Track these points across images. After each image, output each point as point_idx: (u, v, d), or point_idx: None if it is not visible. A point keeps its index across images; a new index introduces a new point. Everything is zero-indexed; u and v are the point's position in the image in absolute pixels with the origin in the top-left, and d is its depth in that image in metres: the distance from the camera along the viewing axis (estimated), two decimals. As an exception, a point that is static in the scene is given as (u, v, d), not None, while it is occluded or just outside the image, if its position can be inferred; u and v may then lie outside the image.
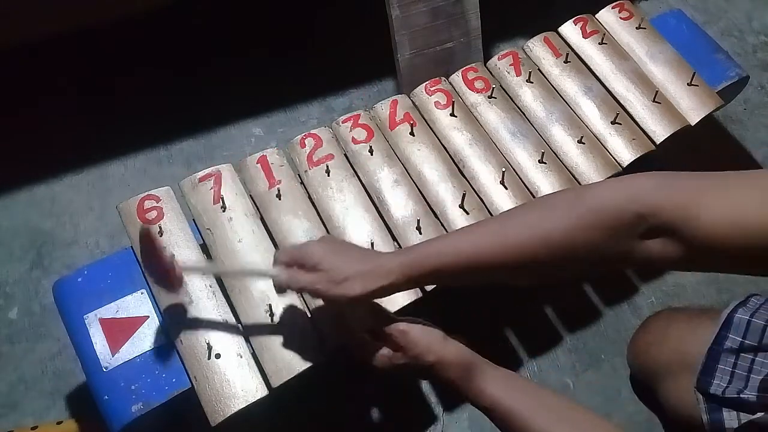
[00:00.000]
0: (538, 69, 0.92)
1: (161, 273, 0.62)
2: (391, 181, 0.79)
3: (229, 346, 0.67)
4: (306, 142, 0.81)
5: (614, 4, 0.98)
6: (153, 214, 0.74)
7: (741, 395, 0.69)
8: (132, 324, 0.70)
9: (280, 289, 0.61)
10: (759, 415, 0.66)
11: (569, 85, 0.90)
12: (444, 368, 0.58)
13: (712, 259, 0.49)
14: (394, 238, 0.76)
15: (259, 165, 0.79)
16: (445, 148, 0.83)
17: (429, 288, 0.72)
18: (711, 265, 0.51)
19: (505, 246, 0.55)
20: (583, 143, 0.84)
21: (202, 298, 0.70)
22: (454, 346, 0.60)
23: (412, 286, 0.62)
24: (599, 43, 0.93)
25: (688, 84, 0.90)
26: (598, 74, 0.91)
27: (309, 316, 0.70)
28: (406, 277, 0.58)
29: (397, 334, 0.60)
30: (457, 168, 0.82)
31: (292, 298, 0.71)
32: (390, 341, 0.61)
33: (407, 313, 0.72)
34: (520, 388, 0.58)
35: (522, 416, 0.55)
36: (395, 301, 0.71)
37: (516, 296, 1.02)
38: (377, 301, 0.64)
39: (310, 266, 0.59)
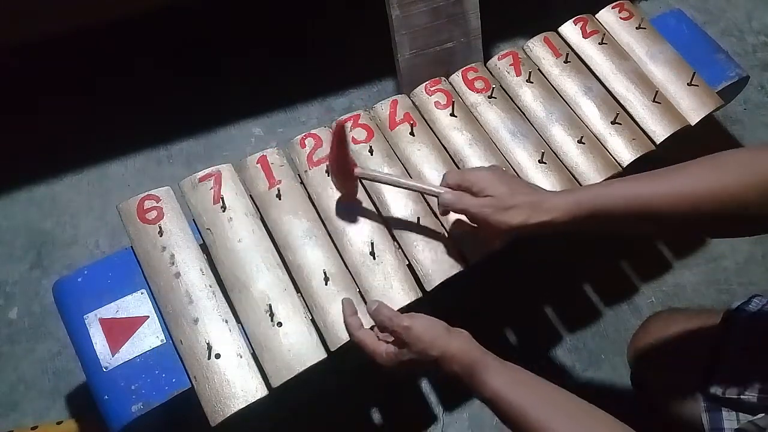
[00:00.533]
0: (538, 69, 0.92)
1: (344, 170, 0.68)
2: (391, 181, 0.79)
3: (229, 346, 0.67)
4: (306, 142, 0.81)
5: (614, 4, 0.98)
6: (153, 214, 0.74)
7: (742, 396, 0.69)
8: (132, 324, 0.70)
9: (445, 209, 0.66)
10: (760, 416, 0.66)
11: (569, 85, 0.90)
12: (448, 361, 0.59)
13: None
14: (394, 238, 0.76)
15: (259, 165, 0.79)
16: (445, 148, 0.83)
17: (429, 288, 0.72)
18: None
19: (679, 196, 0.56)
20: (583, 143, 0.84)
21: (202, 298, 0.70)
22: (457, 339, 0.60)
23: (574, 227, 0.61)
24: (599, 43, 0.93)
25: (688, 84, 0.90)
26: (598, 74, 0.91)
27: (309, 315, 0.70)
28: (571, 215, 0.59)
29: (400, 330, 0.61)
30: (457, 168, 0.82)
31: (293, 299, 0.71)
32: (395, 338, 0.61)
33: (409, 310, 0.72)
34: (522, 380, 0.59)
35: (522, 408, 0.55)
36: (395, 301, 0.71)
37: (516, 296, 1.02)
38: (378, 299, 0.65)
39: (477, 190, 0.62)
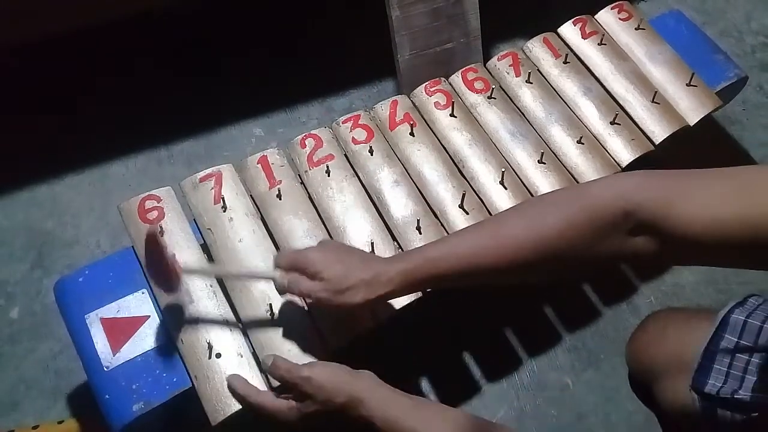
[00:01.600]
0: (538, 69, 0.92)
1: (162, 275, 0.62)
2: (391, 181, 0.79)
3: (229, 346, 0.68)
4: (306, 142, 0.82)
5: (613, 4, 0.98)
6: (154, 214, 0.74)
7: (735, 395, 0.70)
8: (133, 324, 0.70)
9: (282, 292, 0.62)
10: (753, 415, 0.66)
11: (569, 85, 0.90)
12: (356, 405, 0.58)
13: (694, 252, 0.50)
14: (394, 238, 0.76)
15: (259, 165, 0.79)
16: (444, 149, 0.84)
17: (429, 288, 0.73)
18: (694, 259, 0.54)
19: (501, 247, 0.56)
20: (583, 143, 0.84)
21: (203, 298, 0.70)
22: (362, 381, 0.59)
23: (414, 291, 0.62)
24: (598, 44, 0.93)
25: (687, 84, 0.90)
26: (597, 75, 0.91)
27: (310, 315, 0.70)
28: (407, 283, 0.59)
29: (300, 381, 0.59)
30: (456, 168, 0.82)
31: (293, 298, 0.71)
32: (297, 391, 0.60)
33: (410, 310, 0.72)
34: (431, 411, 0.59)
35: None
36: (396, 301, 0.71)
37: (516, 296, 1.02)
38: (278, 353, 0.65)
39: (311, 273, 0.59)
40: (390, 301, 0.70)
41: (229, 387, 0.64)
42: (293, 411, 0.60)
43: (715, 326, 0.76)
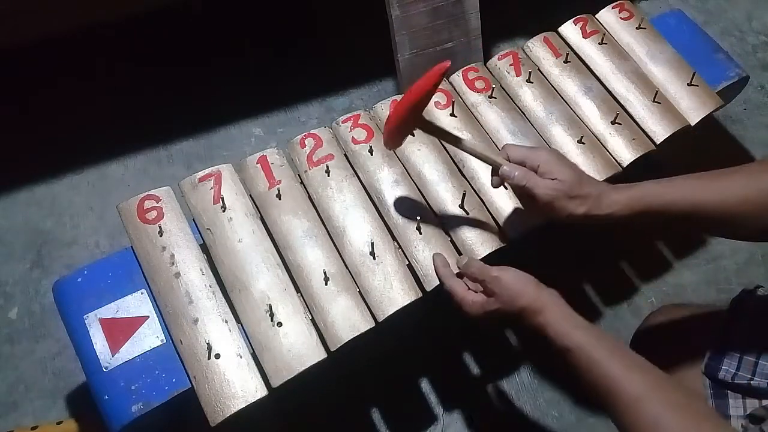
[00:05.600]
0: (538, 69, 0.92)
1: (415, 113, 0.65)
2: (391, 181, 0.79)
3: (228, 346, 0.67)
4: (306, 142, 0.81)
5: (614, 4, 0.98)
6: (153, 214, 0.74)
7: (752, 381, 0.70)
8: (132, 324, 0.70)
9: (501, 182, 0.68)
10: (765, 403, 0.66)
11: (569, 85, 0.90)
12: (534, 313, 0.60)
13: None
14: (394, 238, 0.76)
15: (259, 165, 0.79)
16: (445, 148, 0.83)
17: (429, 288, 0.72)
18: None
19: (725, 197, 0.60)
20: (583, 143, 0.84)
21: (202, 298, 0.70)
22: (546, 293, 0.62)
23: (627, 221, 0.64)
24: (599, 43, 0.93)
25: (688, 84, 0.90)
26: (598, 74, 0.91)
27: (309, 315, 0.70)
28: (629, 211, 0.62)
29: (489, 279, 0.63)
30: (457, 168, 0.82)
31: (293, 299, 0.71)
32: (484, 288, 0.65)
33: (408, 309, 0.72)
34: (605, 339, 0.59)
35: (602, 364, 0.55)
36: (395, 301, 0.71)
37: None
38: (467, 255, 0.70)
39: (543, 171, 0.64)
40: (390, 300, 0.70)
41: (434, 263, 0.72)
42: (476, 305, 0.64)
43: (728, 313, 0.75)
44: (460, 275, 0.70)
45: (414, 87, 0.63)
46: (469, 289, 0.67)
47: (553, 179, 0.63)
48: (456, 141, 0.69)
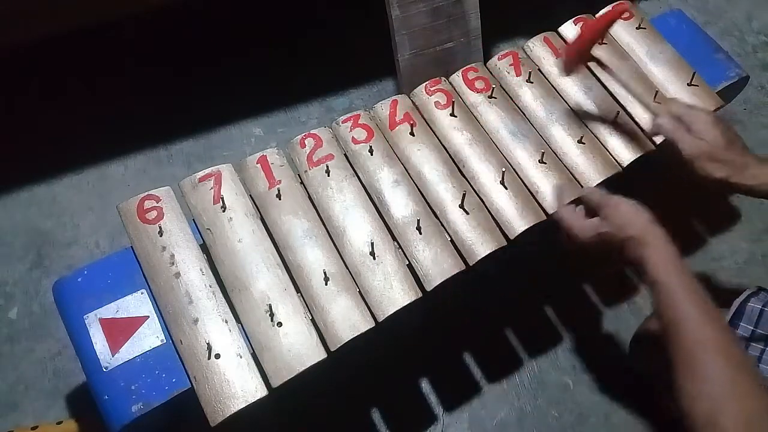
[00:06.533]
0: (538, 69, 0.91)
1: (588, 48, 0.76)
2: (391, 181, 0.79)
3: (228, 346, 0.67)
4: (306, 142, 0.81)
5: (614, 4, 0.98)
6: (153, 214, 0.74)
7: None
8: (132, 324, 0.70)
9: (655, 132, 0.74)
10: None
11: (569, 85, 0.90)
12: (640, 245, 0.63)
13: None
14: (394, 238, 0.76)
15: (259, 165, 0.79)
16: (445, 148, 0.83)
17: (429, 288, 0.72)
18: None
19: None
20: (583, 143, 0.84)
21: (202, 298, 0.70)
22: (656, 230, 0.64)
23: (763, 196, 0.67)
24: (599, 43, 0.93)
25: (688, 84, 0.90)
26: (598, 74, 0.91)
27: (309, 315, 0.70)
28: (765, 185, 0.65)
29: (609, 205, 0.66)
30: (457, 168, 0.82)
31: (293, 299, 0.71)
32: (599, 212, 0.68)
33: (407, 309, 0.72)
34: (693, 289, 0.60)
35: (679, 306, 0.58)
36: (395, 301, 0.71)
37: (516, 296, 1.02)
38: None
39: (695, 129, 0.67)
40: (390, 300, 0.70)
41: (555, 193, 0.77)
42: (586, 227, 0.68)
43: (731, 315, 0.75)
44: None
45: (593, 22, 0.79)
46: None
47: (700, 140, 0.66)
48: (621, 79, 0.78)
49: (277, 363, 0.67)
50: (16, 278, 1.02)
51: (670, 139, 0.70)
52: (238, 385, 0.65)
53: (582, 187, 0.80)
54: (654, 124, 0.72)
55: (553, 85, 0.90)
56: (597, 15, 0.88)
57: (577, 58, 0.81)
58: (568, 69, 0.82)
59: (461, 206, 0.78)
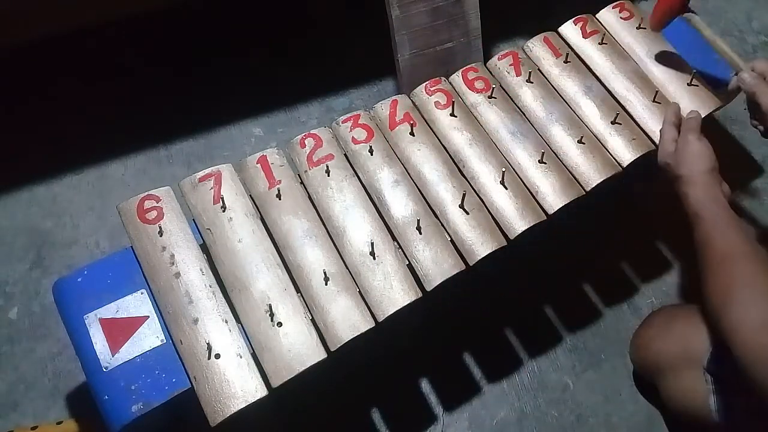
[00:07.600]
0: (538, 69, 0.91)
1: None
2: (391, 181, 0.79)
3: (228, 346, 0.67)
4: (306, 142, 0.81)
5: (614, 4, 0.98)
6: (153, 214, 0.74)
7: None
8: (132, 324, 0.70)
9: (735, 85, 0.79)
10: None
11: (569, 85, 0.90)
12: (686, 183, 0.72)
13: None
14: (394, 238, 0.76)
15: (259, 165, 0.79)
16: (445, 148, 0.83)
17: (429, 288, 0.72)
18: None
19: None
20: (583, 143, 0.84)
21: (202, 298, 0.70)
22: (708, 178, 0.71)
23: None
24: (599, 43, 0.93)
25: (688, 84, 0.90)
26: (598, 74, 0.91)
27: (309, 315, 0.70)
28: None
29: (684, 139, 0.75)
30: (457, 168, 0.82)
31: (293, 299, 0.71)
32: (678, 142, 0.76)
33: (407, 310, 0.72)
34: (734, 227, 0.68)
35: (732, 238, 0.66)
36: (395, 301, 0.71)
37: (516, 296, 1.02)
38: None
39: None
40: (390, 300, 0.70)
41: (667, 113, 0.82)
42: (668, 141, 0.77)
43: None
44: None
45: None
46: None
47: None
48: (709, 36, 0.83)
49: (277, 363, 0.67)
50: (16, 278, 1.02)
51: (752, 93, 0.76)
52: (238, 385, 0.65)
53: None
54: (738, 78, 0.78)
55: (553, 86, 0.90)
56: None
57: (669, 11, 0.84)
58: (662, 22, 0.86)
59: (461, 206, 0.78)
